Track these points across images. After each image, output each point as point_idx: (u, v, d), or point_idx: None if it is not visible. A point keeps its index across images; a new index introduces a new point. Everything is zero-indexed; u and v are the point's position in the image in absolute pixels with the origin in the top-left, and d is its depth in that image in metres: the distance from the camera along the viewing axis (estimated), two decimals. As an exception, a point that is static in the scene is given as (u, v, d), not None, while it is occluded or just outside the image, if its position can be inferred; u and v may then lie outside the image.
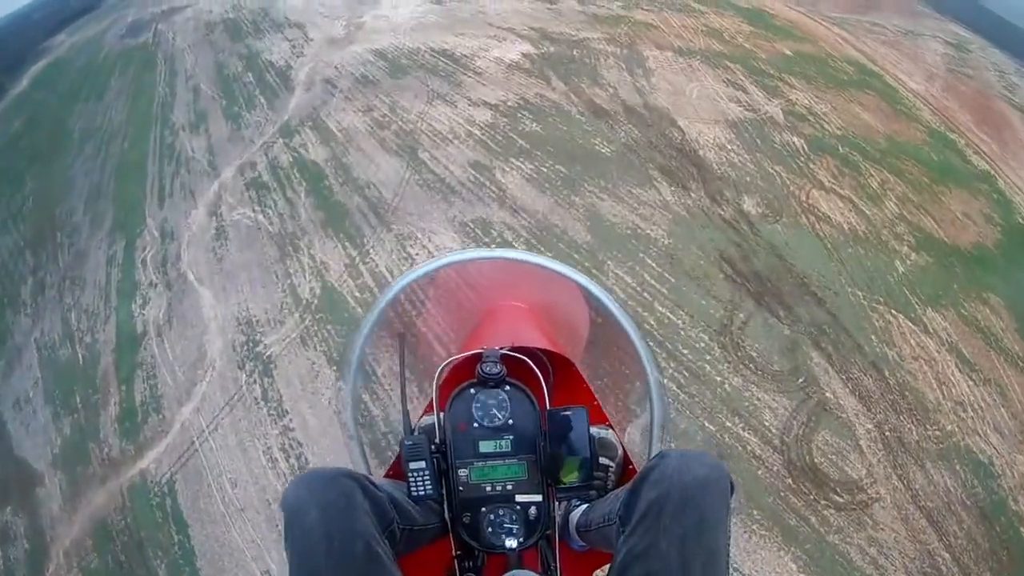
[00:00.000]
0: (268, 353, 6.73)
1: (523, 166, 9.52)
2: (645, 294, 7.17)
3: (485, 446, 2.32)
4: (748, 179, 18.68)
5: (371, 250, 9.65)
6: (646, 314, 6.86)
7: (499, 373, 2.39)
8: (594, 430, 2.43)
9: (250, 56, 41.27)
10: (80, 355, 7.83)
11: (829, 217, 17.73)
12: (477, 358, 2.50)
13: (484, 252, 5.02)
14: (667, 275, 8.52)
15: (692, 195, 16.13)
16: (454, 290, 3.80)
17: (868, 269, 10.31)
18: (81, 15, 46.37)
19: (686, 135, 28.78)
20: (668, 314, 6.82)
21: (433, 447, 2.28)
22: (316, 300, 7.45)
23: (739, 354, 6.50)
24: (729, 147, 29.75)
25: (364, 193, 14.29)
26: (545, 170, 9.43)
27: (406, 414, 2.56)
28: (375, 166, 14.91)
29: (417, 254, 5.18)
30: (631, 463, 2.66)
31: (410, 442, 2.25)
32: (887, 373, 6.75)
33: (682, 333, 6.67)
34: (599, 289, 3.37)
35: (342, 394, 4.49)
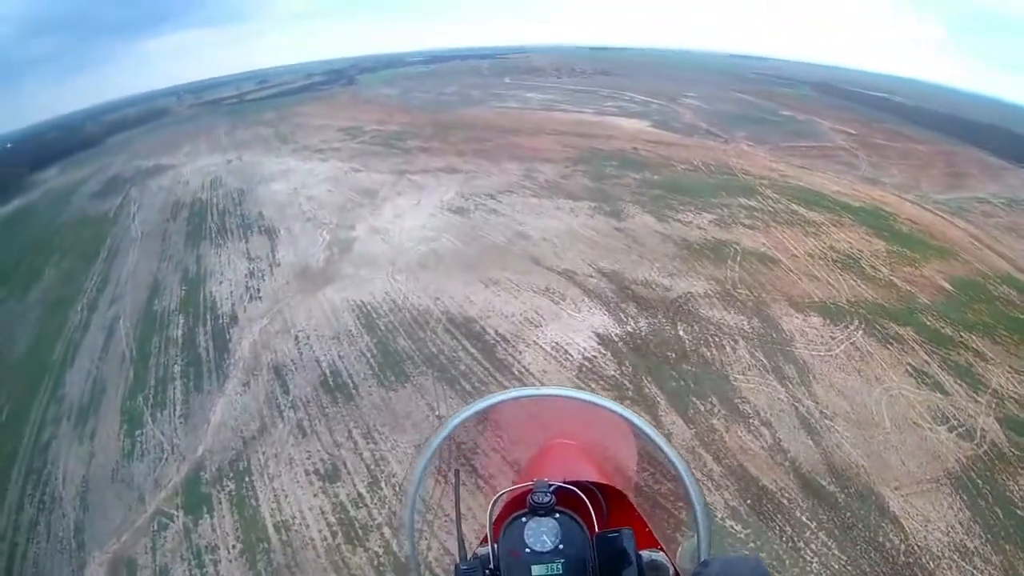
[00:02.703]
0: None
1: None
2: None
3: (538, 570, 2.79)
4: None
5: None
6: None
7: (549, 502, 2.95)
8: (646, 553, 3.06)
9: (194, 280, 42.27)
10: None
11: None
12: (529, 490, 3.04)
13: (535, 391, 5.21)
14: None
15: None
16: (509, 428, 4.52)
17: None
18: (83, 148, 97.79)
19: (907, 534, 22.96)
20: None
21: (487, 572, 2.83)
22: None
23: None
24: (970, 543, 23.56)
25: None
26: None
27: (461, 542, 3.09)
28: None
29: None
30: None
31: (464, 567, 2.83)
32: None
33: None
34: (643, 422, 4.09)
35: (401, 526, 8.10)
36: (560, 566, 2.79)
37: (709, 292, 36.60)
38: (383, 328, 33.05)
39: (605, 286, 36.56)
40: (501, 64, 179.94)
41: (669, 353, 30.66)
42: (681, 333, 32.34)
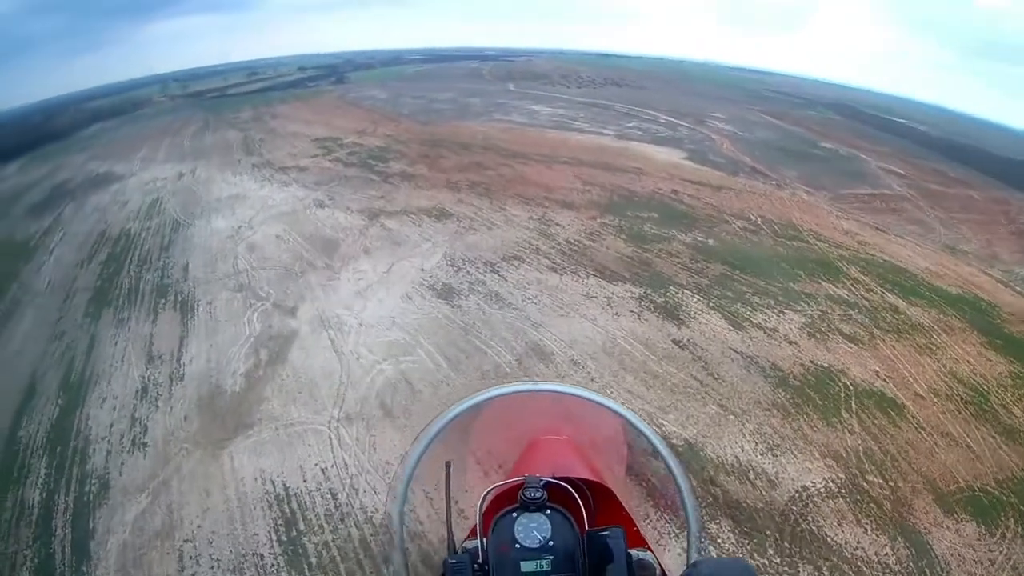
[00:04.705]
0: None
1: None
2: None
3: (527, 566, 2.79)
4: None
5: None
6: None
7: (540, 498, 2.98)
8: (634, 552, 2.98)
9: (74, 389, 29.26)
10: None
11: None
12: (519, 485, 3.08)
13: (528, 385, 4.97)
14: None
15: None
16: (500, 423, 4.40)
17: None
18: (55, 139, 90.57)
19: None
20: None
21: (476, 566, 2.77)
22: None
23: None
24: None
25: None
26: None
27: (450, 534, 3.03)
28: None
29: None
30: None
31: (453, 560, 2.75)
32: None
33: None
34: (635, 417, 4.22)
35: (391, 516, 3.75)
36: (548, 563, 2.78)
37: (831, 485, 23.23)
38: (314, 559, 19.19)
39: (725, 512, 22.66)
40: (503, 67, 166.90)
41: None
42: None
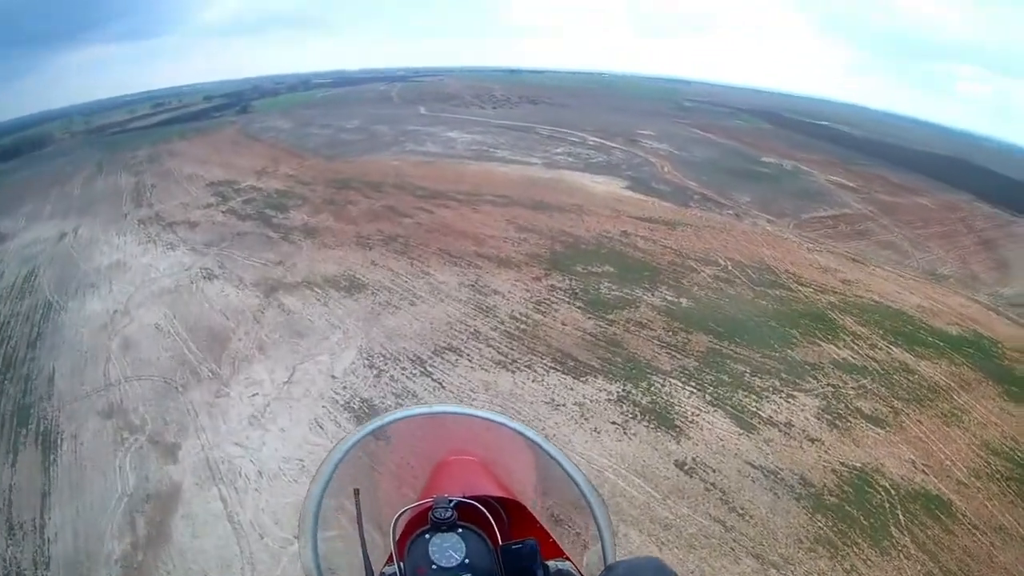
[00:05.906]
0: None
1: None
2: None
3: None
4: None
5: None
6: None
7: (450, 517, 2.86)
8: (552, 563, 3.00)
9: None
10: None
11: None
12: (430, 507, 2.94)
13: (428, 408, 5.18)
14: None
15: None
16: (405, 447, 4.40)
17: None
18: None
19: None
20: None
21: None
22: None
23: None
24: None
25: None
26: None
27: (367, 562, 2.87)
28: None
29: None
30: None
31: None
32: None
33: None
34: (538, 436, 4.36)
35: (302, 551, 3.57)
36: None
37: None
38: None
39: None
40: (413, 88, 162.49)
41: None
42: None
